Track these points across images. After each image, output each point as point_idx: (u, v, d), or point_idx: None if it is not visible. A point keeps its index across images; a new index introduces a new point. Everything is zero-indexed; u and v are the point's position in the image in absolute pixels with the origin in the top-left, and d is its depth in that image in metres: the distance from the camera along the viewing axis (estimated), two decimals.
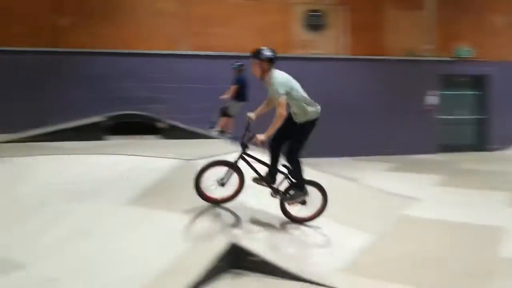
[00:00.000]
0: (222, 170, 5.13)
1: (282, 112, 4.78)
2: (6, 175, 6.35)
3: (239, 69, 10.46)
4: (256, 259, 4.53)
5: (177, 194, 5.81)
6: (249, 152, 5.14)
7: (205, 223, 5.10)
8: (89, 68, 10.93)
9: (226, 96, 10.44)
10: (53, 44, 10.72)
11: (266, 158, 5.28)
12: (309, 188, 5.28)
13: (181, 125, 10.04)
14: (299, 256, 5.07)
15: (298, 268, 4.49)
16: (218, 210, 5.32)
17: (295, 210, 5.38)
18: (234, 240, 4.68)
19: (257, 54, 4.89)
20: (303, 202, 5.29)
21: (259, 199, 5.59)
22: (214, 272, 4.36)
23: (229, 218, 5.24)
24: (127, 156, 6.83)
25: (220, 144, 8.77)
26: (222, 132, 10.62)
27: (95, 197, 5.81)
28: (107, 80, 10.94)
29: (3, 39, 10.34)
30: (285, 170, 5.19)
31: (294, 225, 5.46)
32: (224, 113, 10.62)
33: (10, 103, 10.29)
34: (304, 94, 5.02)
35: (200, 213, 5.25)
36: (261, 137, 4.89)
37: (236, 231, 4.93)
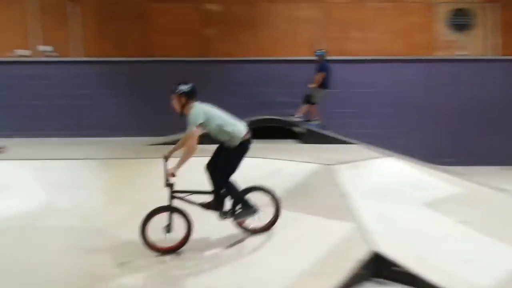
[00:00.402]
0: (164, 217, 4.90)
1: (191, 144, 4.59)
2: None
3: (322, 57, 10.58)
4: (400, 270, 4.41)
5: (317, 198, 5.90)
6: (178, 189, 4.91)
7: (346, 228, 5.08)
8: (234, 74, 11.59)
9: (314, 85, 10.49)
10: (202, 54, 11.61)
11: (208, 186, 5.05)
12: (259, 195, 5.13)
13: (319, 130, 10.17)
14: (447, 270, 4.81)
15: (446, 282, 4.26)
16: (359, 216, 5.28)
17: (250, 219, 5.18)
18: (376, 249, 4.60)
19: (174, 89, 4.78)
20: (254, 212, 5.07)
21: (403, 209, 5.44)
22: (356, 279, 4.34)
23: (370, 225, 5.16)
24: (268, 159, 7.09)
25: (359, 150, 8.69)
26: (307, 120, 10.68)
27: None
28: (248, 86, 11.50)
29: (165, 51, 11.46)
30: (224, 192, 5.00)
31: (441, 236, 5.19)
32: (307, 100, 10.65)
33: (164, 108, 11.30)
34: (230, 120, 4.86)
35: (341, 218, 5.27)
36: (171, 170, 4.67)
37: (378, 239, 4.85)
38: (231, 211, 4.98)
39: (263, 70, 11.55)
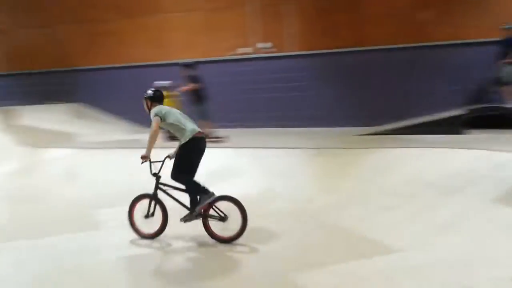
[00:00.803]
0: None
1: (152, 130, 5.22)
2: (376, 164, 7.03)
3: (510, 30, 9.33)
4: None
5: None
6: (163, 182, 5.35)
7: None
8: (451, 60, 10.75)
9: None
10: (414, 40, 11.05)
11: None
12: (228, 205, 5.13)
13: None
14: None
15: None
16: None
17: (219, 229, 5.20)
18: None
19: (144, 93, 5.59)
20: (223, 219, 5.17)
21: None
22: None
23: None
24: (492, 151, 6.43)
25: None
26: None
27: (459, 192, 5.75)
28: (467, 71, 10.53)
29: (376, 39, 11.31)
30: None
31: None
32: (500, 82, 9.36)
33: (379, 96, 11.12)
34: (182, 120, 5.35)
35: None
36: (142, 154, 5.19)
37: None
38: (192, 208, 5.26)
39: (484, 54, 10.37)
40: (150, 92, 5.58)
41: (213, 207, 5.20)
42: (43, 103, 12.98)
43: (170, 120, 5.29)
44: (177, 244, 5.24)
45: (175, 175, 5.24)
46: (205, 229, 5.25)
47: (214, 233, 5.23)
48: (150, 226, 5.37)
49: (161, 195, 5.38)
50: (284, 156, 7.82)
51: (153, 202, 5.37)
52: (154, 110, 5.36)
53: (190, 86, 9.31)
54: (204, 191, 5.19)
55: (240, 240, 5.12)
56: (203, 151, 5.35)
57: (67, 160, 8.50)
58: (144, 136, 10.55)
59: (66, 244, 5.29)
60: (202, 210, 5.21)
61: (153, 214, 5.35)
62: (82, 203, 6.93)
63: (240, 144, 8.65)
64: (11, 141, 9.50)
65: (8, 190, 7.75)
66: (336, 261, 4.55)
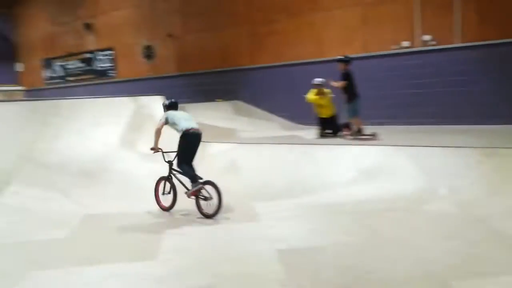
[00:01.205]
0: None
1: (156, 128, 6.81)
2: None
3: None
4: None
5: None
6: (174, 168, 6.79)
7: None
8: None
9: None
10: None
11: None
12: (208, 188, 6.29)
13: None
14: None
15: None
16: None
17: (205, 206, 6.30)
18: None
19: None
20: (206, 199, 6.30)
21: None
22: None
23: None
24: None
25: None
26: None
27: None
28: None
29: None
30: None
31: None
32: None
33: None
34: (181, 120, 6.71)
35: None
36: (152, 147, 6.84)
37: None
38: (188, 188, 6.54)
39: None
40: (166, 102, 7.24)
41: (202, 190, 6.30)
42: (207, 101, 14.14)
43: (170, 121, 6.73)
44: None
45: (177, 164, 6.67)
46: (196, 207, 6.41)
47: (202, 210, 6.34)
48: (166, 201, 6.81)
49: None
50: (445, 155, 7.27)
51: (167, 183, 6.86)
52: (163, 114, 6.91)
53: (340, 83, 9.12)
54: (194, 180, 6.39)
55: (405, 238, 5.00)
56: (195, 144, 6.66)
57: (229, 154, 9.09)
58: (299, 132, 10.97)
59: (228, 234, 5.63)
60: (193, 193, 6.41)
61: (169, 192, 6.83)
62: (243, 195, 7.33)
63: (393, 142, 8.28)
64: None
65: None
66: (504, 272, 4.11)
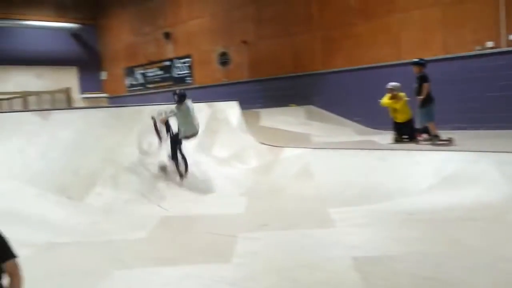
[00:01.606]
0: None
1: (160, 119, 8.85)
2: None
3: None
4: None
5: None
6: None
7: None
8: None
9: None
10: None
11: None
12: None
13: None
14: None
15: None
16: None
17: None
18: None
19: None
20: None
21: None
22: None
23: None
24: None
25: None
26: None
27: None
28: None
29: None
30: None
31: None
32: None
33: None
34: (182, 123, 8.59)
35: None
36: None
37: None
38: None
39: None
40: (180, 91, 8.76)
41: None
42: (280, 106, 14.21)
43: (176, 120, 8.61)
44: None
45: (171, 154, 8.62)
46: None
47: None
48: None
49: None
50: None
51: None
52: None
53: (424, 93, 8.69)
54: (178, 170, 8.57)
55: (489, 249, 4.74)
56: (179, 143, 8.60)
57: (301, 159, 9.08)
58: (374, 137, 10.72)
59: (302, 240, 5.57)
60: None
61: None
62: (317, 200, 7.29)
63: (471, 147, 7.86)
64: (254, 140, 10.66)
65: (250, 185, 8.72)
66: None
